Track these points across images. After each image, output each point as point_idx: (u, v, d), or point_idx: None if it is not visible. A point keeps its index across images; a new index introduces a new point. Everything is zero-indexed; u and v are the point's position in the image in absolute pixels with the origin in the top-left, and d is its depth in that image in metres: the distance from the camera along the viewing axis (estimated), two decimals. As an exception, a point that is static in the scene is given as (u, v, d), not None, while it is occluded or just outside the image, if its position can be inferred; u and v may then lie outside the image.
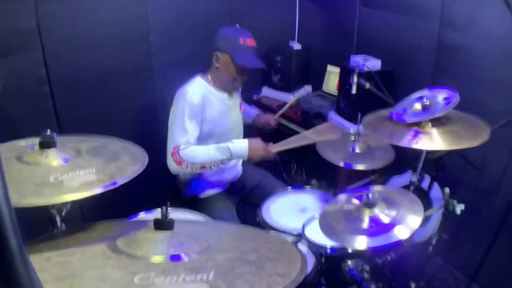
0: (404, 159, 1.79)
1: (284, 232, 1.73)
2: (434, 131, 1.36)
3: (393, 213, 1.29)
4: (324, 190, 2.12)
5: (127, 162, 1.15)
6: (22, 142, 1.19)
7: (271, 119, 2.34)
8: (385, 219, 1.28)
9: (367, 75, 2.14)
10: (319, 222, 1.39)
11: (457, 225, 1.99)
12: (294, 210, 1.93)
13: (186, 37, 2.57)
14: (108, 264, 0.83)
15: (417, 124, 1.40)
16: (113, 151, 1.23)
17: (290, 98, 2.88)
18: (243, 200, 2.30)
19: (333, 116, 2.56)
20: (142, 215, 1.72)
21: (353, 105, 2.34)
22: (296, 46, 2.91)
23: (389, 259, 1.59)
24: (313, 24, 3.08)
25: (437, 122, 1.39)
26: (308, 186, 2.13)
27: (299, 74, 2.97)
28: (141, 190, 1.95)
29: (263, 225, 1.82)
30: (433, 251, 1.62)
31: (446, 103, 1.41)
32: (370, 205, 1.32)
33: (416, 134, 1.37)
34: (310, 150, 1.96)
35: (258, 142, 1.92)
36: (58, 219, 1.13)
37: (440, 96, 1.47)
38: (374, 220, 1.29)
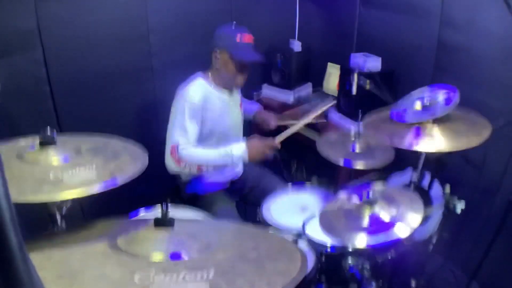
0: (404, 158, 1.79)
1: (284, 230, 1.73)
2: (436, 131, 1.36)
3: (393, 211, 1.29)
4: (324, 189, 2.12)
5: (127, 161, 1.16)
6: (22, 141, 1.19)
7: (272, 121, 2.33)
8: (385, 217, 1.28)
9: (367, 75, 2.14)
10: (319, 221, 1.39)
11: (457, 224, 1.99)
12: (294, 209, 1.93)
13: (186, 37, 2.57)
14: (108, 262, 0.83)
15: (418, 124, 1.40)
16: (113, 150, 1.23)
17: (290, 97, 2.89)
18: (243, 199, 2.30)
19: (334, 115, 2.56)
20: (142, 213, 1.72)
21: (354, 105, 2.34)
22: (296, 46, 2.91)
23: (390, 257, 1.59)
24: (313, 24, 3.08)
25: (437, 120, 1.38)
26: (308, 182, 2.14)
27: (299, 74, 2.97)
28: (141, 189, 1.94)
29: (264, 224, 1.82)
30: (433, 249, 1.62)
31: (447, 103, 1.41)
32: (370, 203, 1.32)
33: (418, 134, 1.36)
34: (310, 149, 1.97)
35: (255, 141, 1.92)
36: (58, 217, 1.13)
37: (441, 95, 1.47)
38: (374, 218, 1.29)
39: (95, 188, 1.00)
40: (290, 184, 2.18)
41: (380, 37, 2.57)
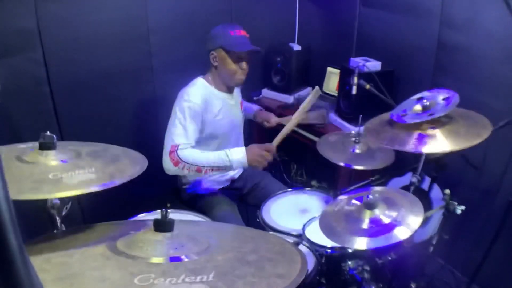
0: (404, 159, 1.79)
1: (284, 232, 1.73)
2: (438, 133, 1.36)
3: (393, 213, 1.29)
4: (324, 191, 2.12)
5: (127, 164, 1.16)
6: (22, 146, 1.19)
7: (272, 118, 2.34)
8: (386, 220, 1.28)
9: (367, 76, 2.14)
10: (319, 223, 1.39)
11: (457, 225, 1.99)
12: (294, 211, 1.93)
13: (186, 37, 2.57)
14: (108, 264, 0.83)
15: (418, 127, 1.39)
16: (113, 154, 1.23)
17: (290, 99, 2.89)
18: (243, 200, 2.30)
19: (333, 118, 2.56)
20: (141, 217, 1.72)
21: (353, 106, 2.34)
22: (296, 46, 2.91)
23: (390, 259, 1.59)
24: (313, 25, 3.08)
25: (438, 123, 1.38)
26: (308, 188, 2.14)
27: (299, 74, 2.97)
28: (141, 190, 1.94)
29: (264, 226, 1.82)
30: (433, 251, 1.62)
31: (446, 103, 1.41)
32: (370, 206, 1.32)
33: (421, 138, 1.36)
34: (310, 150, 1.97)
35: (254, 147, 1.91)
36: (58, 219, 1.13)
37: (440, 96, 1.46)
38: (374, 221, 1.29)
39: (95, 187, 0.99)
40: (290, 185, 2.18)
41: (380, 37, 2.57)
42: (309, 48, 3.00)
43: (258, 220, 1.87)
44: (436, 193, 1.63)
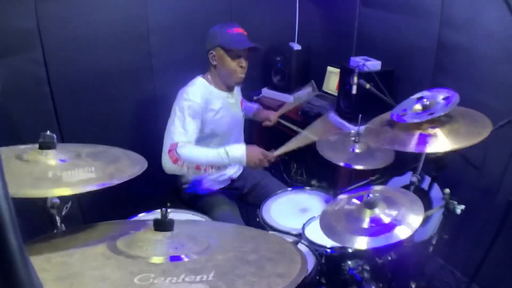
0: (404, 159, 1.79)
1: (284, 232, 1.73)
2: (438, 132, 1.35)
3: (393, 212, 1.29)
4: (324, 190, 2.12)
5: (127, 165, 1.16)
6: (22, 147, 1.19)
7: (271, 115, 2.34)
8: (386, 219, 1.28)
9: (367, 76, 2.14)
10: (319, 222, 1.39)
11: (457, 225, 1.99)
12: (294, 210, 1.93)
13: (186, 37, 2.57)
14: (108, 264, 0.83)
15: (419, 127, 1.39)
16: (113, 155, 1.23)
17: (290, 98, 2.89)
18: (243, 200, 2.30)
19: (333, 117, 2.56)
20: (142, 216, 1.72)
21: (353, 105, 2.34)
22: (296, 46, 2.91)
23: (390, 259, 1.58)
24: (313, 24, 3.08)
25: (437, 122, 1.38)
26: (308, 188, 2.13)
27: (299, 74, 2.97)
28: (141, 190, 1.94)
29: (264, 225, 1.82)
30: (433, 251, 1.62)
31: (446, 103, 1.41)
32: (370, 205, 1.32)
33: (422, 138, 1.36)
34: (310, 150, 1.96)
35: (255, 148, 1.91)
36: (58, 219, 1.13)
37: (440, 96, 1.46)
38: (374, 220, 1.29)
39: (94, 186, 0.99)
40: (290, 185, 2.18)
41: (380, 37, 2.57)
42: (309, 47, 3.00)
43: (258, 219, 1.87)
44: (436, 192, 1.63)
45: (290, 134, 2.71)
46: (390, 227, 1.25)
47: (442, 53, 2.20)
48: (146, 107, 2.56)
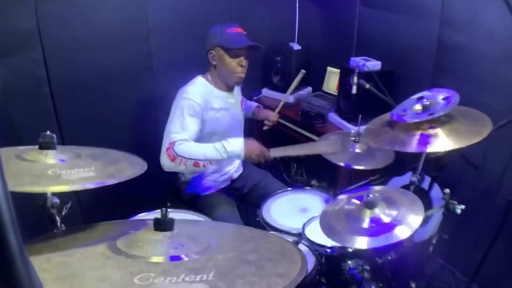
0: (404, 159, 1.79)
1: (284, 232, 1.73)
2: (439, 132, 1.35)
3: (393, 212, 1.29)
4: (324, 190, 2.12)
5: (126, 166, 1.16)
6: (22, 148, 1.19)
7: (270, 115, 2.34)
8: (386, 219, 1.28)
9: (367, 76, 2.14)
10: (319, 222, 1.39)
11: (457, 225, 1.99)
12: (294, 210, 1.93)
13: (186, 37, 2.57)
14: (108, 264, 0.83)
15: (419, 127, 1.39)
16: (113, 157, 1.23)
17: (290, 98, 2.88)
18: (243, 199, 2.30)
19: (333, 118, 2.56)
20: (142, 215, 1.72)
21: (353, 105, 2.34)
22: (296, 46, 2.91)
23: (390, 259, 1.58)
24: (313, 24, 3.08)
25: (437, 122, 1.38)
26: (308, 188, 2.13)
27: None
28: (141, 190, 1.94)
29: (264, 225, 1.82)
30: (433, 251, 1.62)
31: (446, 103, 1.41)
32: (370, 205, 1.32)
33: (423, 138, 1.36)
34: (310, 150, 1.97)
35: (253, 142, 1.91)
36: (58, 219, 1.13)
37: (440, 96, 1.46)
38: (374, 220, 1.29)
39: (94, 184, 0.99)
40: (290, 185, 2.17)
41: (380, 37, 2.57)
42: (309, 48, 3.00)
43: (258, 219, 1.87)
44: (436, 192, 1.63)
45: (290, 134, 2.72)
46: (390, 227, 1.24)
47: (442, 53, 2.20)
48: (146, 107, 2.56)
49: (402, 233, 1.22)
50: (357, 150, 1.87)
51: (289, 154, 1.97)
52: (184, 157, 1.80)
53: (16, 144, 1.20)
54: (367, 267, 1.57)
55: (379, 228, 1.26)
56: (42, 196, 1.11)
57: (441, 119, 1.39)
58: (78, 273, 0.80)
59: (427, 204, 1.60)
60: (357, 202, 1.39)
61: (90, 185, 0.99)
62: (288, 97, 2.47)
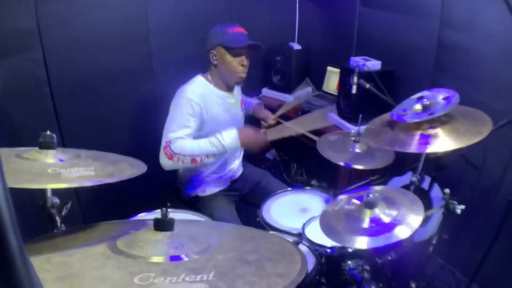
0: (404, 159, 1.79)
1: (284, 232, 1.73)
2: (439, 132, 1.35)
3: (393, 212, 1.29)
4: (324, 190, 2.12)
5: (126, 166, 1.16)
6: (22, 149, 1.19)
7: (269, 117, 2.34)
8: (386, 219, 1.28)
9: (367, 75, 2.14)
10: (319, 222, 1.39)
11: (457, 225, 1.99)
12: (294, 210, 1.93)
13: (186, 37, 2.57)
14: (108, 264, 0.83)
15: (419, 127, 1.39)
16: (113, 158, 1.23)
17: (290, 98, 2.89)
18: (243, 200, 2.30)
19: (332, 118, 2.56)
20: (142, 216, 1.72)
21: (353, 105, 2.34)
22: (296, 46, 2.91)
23: (390, 259, 1.58)
24: (313, 24, 3.08)
25: (437, 122, 1.38)
26: (308, 188, 2.13)
27: (299, 74, 2.97)
28: (142, 190, 1.94)
29: (264, 225, 1.82)
30: (433, 251, 1.62)
31: (446, 102, 1.41)
32: (370, 205, 1.32)
33: (424, 138, 1.35)
34: (310, 150, 1.97)
35: (247, 129, 1.93)
36: (58, 219, 1.13)
37: (440, 96, 1.46)
38: (374, 220, 1.29)
39: (93, 182, 0.99)
40: (290, 185, 2.17)
41: (380, 37, 2.57)
42: (309, 47, 3.00)
43: (258, 219, 1.87)
44: (436, 192, 1.63)
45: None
46: (390, 227, 1.24)
47: (442, 53, 2.20)
48: (146, 107, 2.56)
49: (402, 233, 1.22)
50: (357, 150, 1.87)
51: (285, 135, 1.99)
52: (181, 154, 1.81)
53: (16, 144, 1.20)
54: (367, 267, 1.57)
55: (379, 228, 1.26)
56: (42, 196, 1.11)
57: (441, 119, 1.39)
58: (78, 273, 0.80)
59: (427, 204, 1.60)
60: (357, 202, 1.39)
61: (90, 183, 0.99)
62: (289, 98, 2.48)
